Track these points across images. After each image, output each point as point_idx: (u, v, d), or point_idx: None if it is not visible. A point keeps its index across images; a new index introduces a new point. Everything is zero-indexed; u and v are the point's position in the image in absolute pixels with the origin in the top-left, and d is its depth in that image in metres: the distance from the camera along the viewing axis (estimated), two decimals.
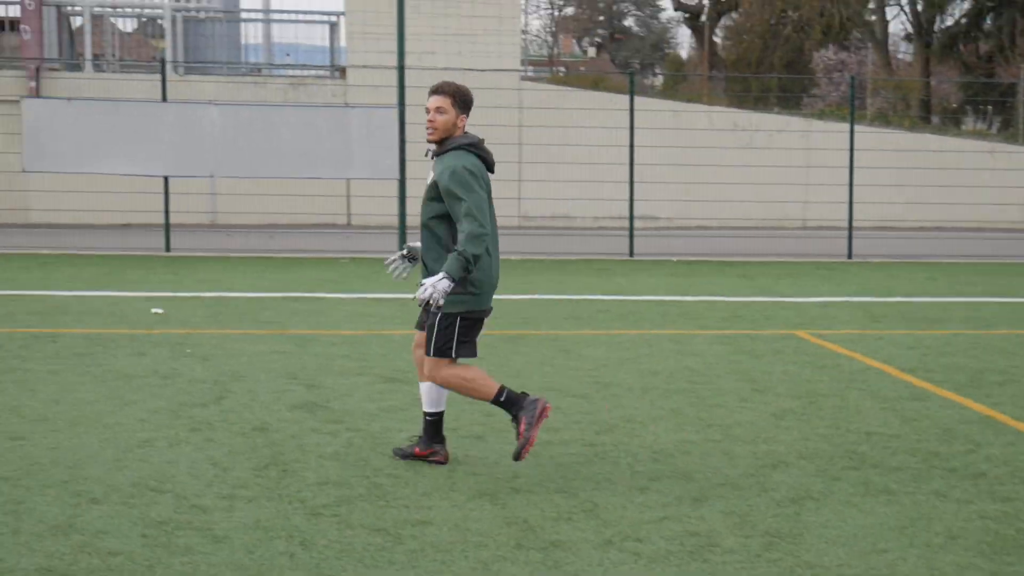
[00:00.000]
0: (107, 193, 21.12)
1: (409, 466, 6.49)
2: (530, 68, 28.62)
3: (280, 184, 21.04)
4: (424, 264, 6.37)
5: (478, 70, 22.46)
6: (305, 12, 27.59)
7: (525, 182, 24.40)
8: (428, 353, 6.35)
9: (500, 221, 22.93)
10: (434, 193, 6.29)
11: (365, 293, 13.97)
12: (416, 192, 20.84)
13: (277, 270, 16.41)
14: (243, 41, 29.18)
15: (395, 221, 20.12)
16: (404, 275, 6.85)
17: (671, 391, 8.61)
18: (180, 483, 6.12)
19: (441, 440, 6.63)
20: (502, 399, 6.34)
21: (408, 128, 18.70)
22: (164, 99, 18.97)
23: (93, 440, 6.94)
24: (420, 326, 6.58)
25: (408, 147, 18.93)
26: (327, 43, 27.89)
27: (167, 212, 18.93)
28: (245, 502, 5.82)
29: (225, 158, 18.44)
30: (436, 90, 6.45)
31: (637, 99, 20.23)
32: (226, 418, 7.58)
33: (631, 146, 19.57)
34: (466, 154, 6.33)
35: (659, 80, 52.79)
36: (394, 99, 19.67)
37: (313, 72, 27.07)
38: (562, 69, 58.09)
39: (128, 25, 32.85)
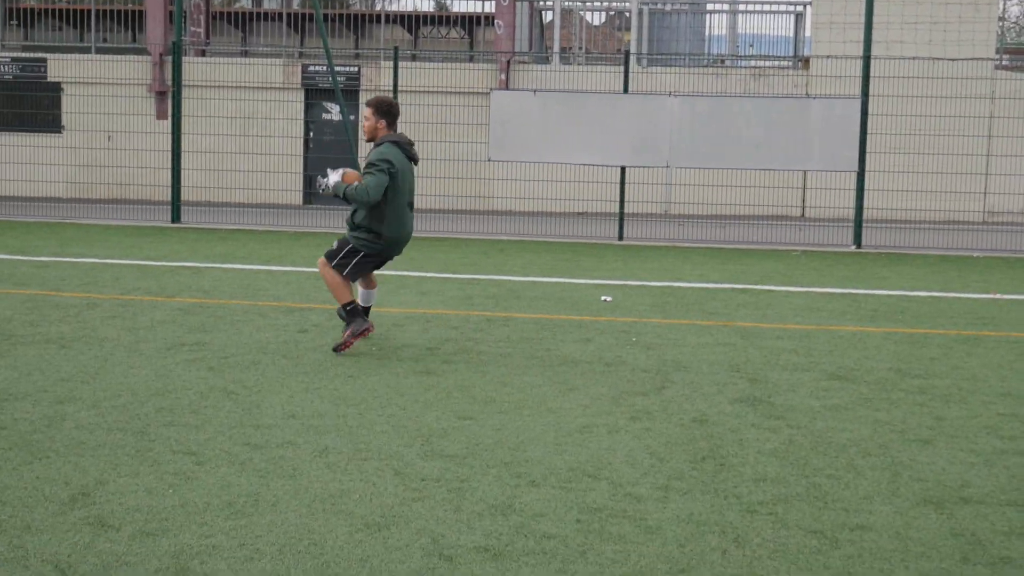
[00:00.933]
0: (564, 182, 21.75)
1: (850, 467, 6.22)
2: (1006, 57, 27.02)
3: (734, 175, 20.91)
4: (352, 218, 9.10)
5: (948, 59, 21.39)
6: (771, 2, 27.19)
7: (992, 176, 23.04)
8: (328, 258, 9.05)
9: (962, 215, 21.76)
10: (365, 170, 8.94)
11: (815, 287, 13.62)
12: (876, 185, 20.26)
13: (727, 261, 16.31)
14: (707, 32, 29.24)
15: (851, 214, 19.54)
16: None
17: None
18: (616, 470, 6.14)
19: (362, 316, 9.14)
20: (348, 308, 9.05)
21: (871, 120, 18.08)
22: (625, 91, 19.30)
23: (536, 423, 7.10)
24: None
25: (870, 139, 18.31)
26: (791, 33, 27.48)
27: (622, 202, 19.25)
28: (679, 494, 5.76)
29: (681, 148, 18.53)
30: (367, 103, 9.11)
31: None
32: (666, 408, 7.56)
33: None
34: (389, 146, 9.01)
35: None
36: (857, 89, 19.06)
37: (776, 63, 26.74)
38: None
39: (596, 18, 33.73)
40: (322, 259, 9.16)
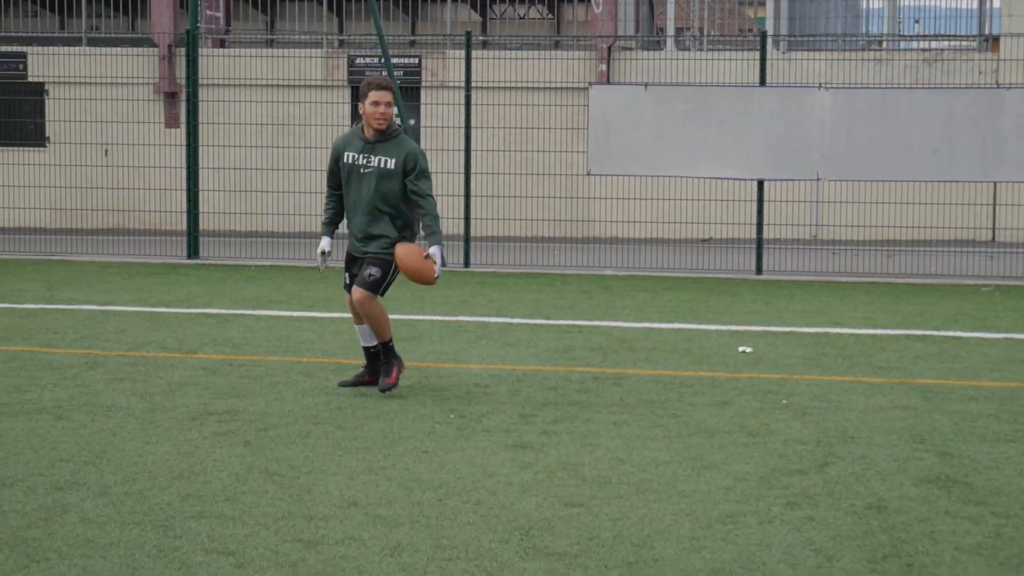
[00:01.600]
0: (686, 201, 21.69)
1: None
2: None
3: (903, 189, 20.75)
4: (367, 234, 9.91)
5: None
6: None
7: None
8: (373, 289, 9.78)
9: None
10: (397, 174, 9.80)
11: (1017, 332, 13.46)
12: None
13: (898, 299, 16.18)
14: (864, 6, 29.14)
15: None
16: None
17: None
18: (772, 573, 6.09)
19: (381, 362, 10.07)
20: (391, 344, 10.04)
21: None
22: (762, 83, 19.27)
23: (665, 511, 7.07)
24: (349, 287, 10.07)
25: None
26: (974, 5, 27.25)
27: (760, 225, 19.18)
28: None
29: (835, 156, 18.44)
30: (386, 86, 9.87)
31: None
32: (832, 491, 7.49)
33: None
34: (411, 141, 9.96)
35: None
36: None
37: (954, 43, 26.56)
38: None
39: None
40: (365, 292, 9.82)
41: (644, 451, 8.41)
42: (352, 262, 10.13)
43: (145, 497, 7.23)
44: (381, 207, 9.89)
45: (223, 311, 14.56)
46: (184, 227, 20.75)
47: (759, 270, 18.97)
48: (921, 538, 6.63)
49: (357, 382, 10.29)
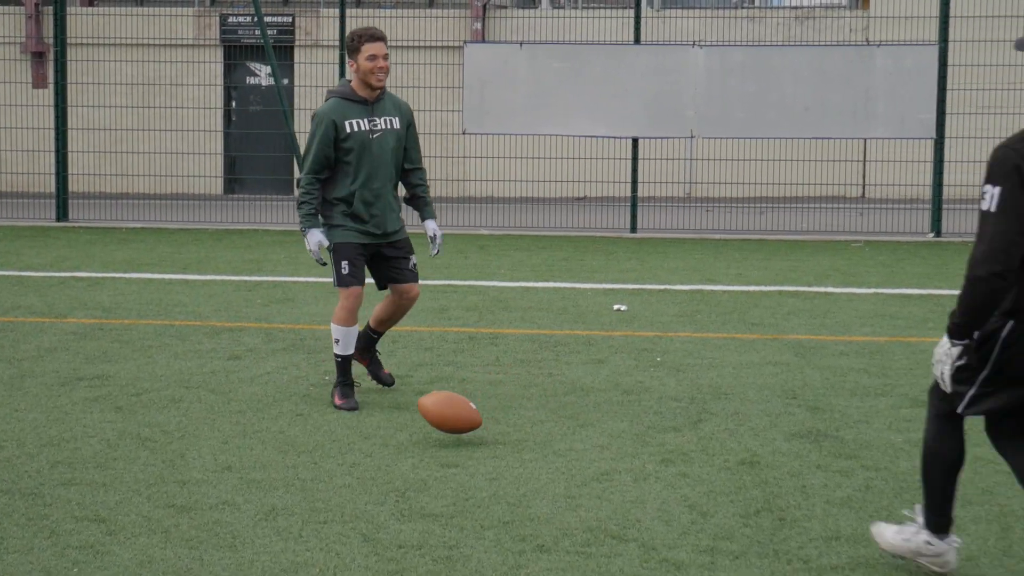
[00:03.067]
0: (561, 159, 21.72)
1: None
2: None
3: (776, 147, 20.95)
4: (392, 209, 8.77)
5: None
6: None
7: None
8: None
9: None
10: (402, 135, 8.74)
11: (886, 288, 13.66)
12: (959, 156, 20.31)
13: (771, 256, 16.34)
14: None
15: (927, 193, 19.60)
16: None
17: None
18: (647, 530, 6.14)
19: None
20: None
21: (952, 72, 18.17)
22: (637, 41, 19.33)
23: (541, 471, 7.09)
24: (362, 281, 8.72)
25: (950, 97, 18.37)
26: None
27: (635, 183, 19.27)
28: (730, 558, 5.76)
29: (709, 114, 18.56)
30: (381, 36, 8.58)
31: None
32: (705, 447, 7.56)
33: None
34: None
35: None
36: (933, 34, 19.13)
37: (825, 1, 26.82)
38: None
39: None
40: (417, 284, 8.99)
41: (520, 410, 8.43)
42: (357, 250, 8.66)
43: (13, 465, 7.13)
44: (394, 178, 8.82)
45: (93, 274, 14.36)
46: (53, 189, 20.41)
47: (633, 228, 19.06)
48: (793, 492, 6.72)
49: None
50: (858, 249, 17.26)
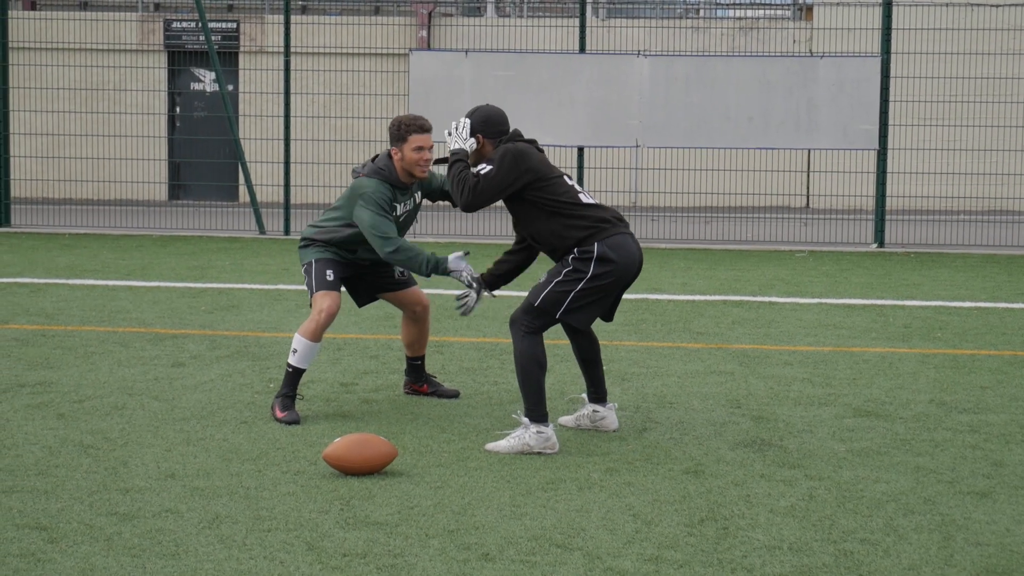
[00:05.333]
0: None
1: (888, 529, 6.27)
2: None
3: (720, 156, 21.05)
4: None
5: (991, 5, 21.67)
6: None
7: None
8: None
9: (1012, 204, 21.97)
10: (417, 204, 8.80)
11: (829, 298, 13.72)
12: (901, 167, 20.46)
13: (715, 265, 16.40)
14: None
15: (870, 204, 19.72)
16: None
17: None
18: (592, 538, 6.14)
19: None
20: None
21: (894, 84, 18.29)
22: (582, 50, 19.37)
23: (486, 479, 7.09)
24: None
25: (892, 108, 18.51)
26: None
27: None
28: (674, 567, 5.77)
29: (654, 123, 18.63)
30: (430, 127, 8.48)
31: None
32: (650, 457, 7.58)
33: None
34: None
35: None
36: (875, 46, 19.27)
37: (769, 12, 26.97)
38: None
39: None
40: None
41: (465, 419, 8.42)
42: (340, 265, 8.61)
43: None
44: None
45: (36, 280, 14.26)
46: None
47: None
48: (737, 501, 6.74)
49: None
50: (802, 259, 17.35)
